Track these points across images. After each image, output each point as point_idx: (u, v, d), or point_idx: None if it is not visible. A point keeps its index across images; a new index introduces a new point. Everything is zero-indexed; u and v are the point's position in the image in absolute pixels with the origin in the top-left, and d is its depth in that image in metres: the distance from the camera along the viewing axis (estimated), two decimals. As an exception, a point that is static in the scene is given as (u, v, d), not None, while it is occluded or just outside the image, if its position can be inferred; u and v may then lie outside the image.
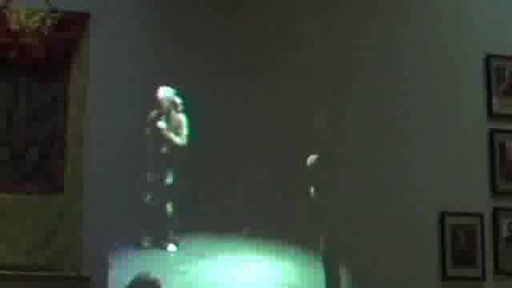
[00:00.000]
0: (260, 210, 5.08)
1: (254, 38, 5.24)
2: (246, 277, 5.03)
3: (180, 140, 5.07)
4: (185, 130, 5.09)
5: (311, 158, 5.16)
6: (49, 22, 4.86)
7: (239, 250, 5.08)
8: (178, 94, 5.10)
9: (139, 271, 4.57)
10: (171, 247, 5.05)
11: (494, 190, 5.44)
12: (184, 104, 5.11)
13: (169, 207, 5.04)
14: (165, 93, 5.08)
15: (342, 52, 5.34)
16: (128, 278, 4.53)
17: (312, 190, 5.15)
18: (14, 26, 4.83)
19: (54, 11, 4.84)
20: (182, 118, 5.10)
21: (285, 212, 5.10)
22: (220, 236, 5.05)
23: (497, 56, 5.57)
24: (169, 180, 5.06)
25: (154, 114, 5.05)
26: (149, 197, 5.02)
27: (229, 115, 5.13)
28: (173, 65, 5.11)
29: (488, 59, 5.57)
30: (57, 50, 4.91)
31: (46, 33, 4.85)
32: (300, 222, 5.11)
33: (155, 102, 5.07)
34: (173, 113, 5.10)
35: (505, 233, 5.40)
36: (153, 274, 4.52)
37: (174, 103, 5.10)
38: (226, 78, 5.16)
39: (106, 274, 4.78)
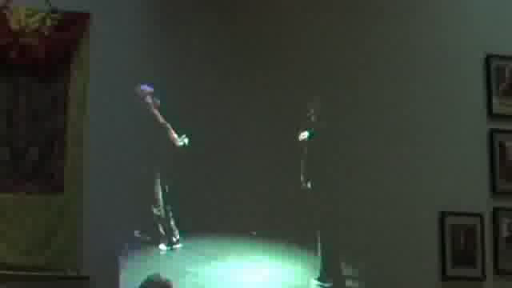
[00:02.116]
0: (270, 212, 5.09)
1: (256, 39, 5.24)
2: (257, 278, 5.05)
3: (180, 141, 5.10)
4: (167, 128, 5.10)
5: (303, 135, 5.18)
6: (49, 22, 4.85)
7: (249, 252, 5.09)
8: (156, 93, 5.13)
9: (150, 272, 4.59)
10: (162, 246, 5.07)
11: (494, 190, 5.44)
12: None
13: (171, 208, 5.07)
14: (146, 88, 5.09)
15: (342, 52, 5.34)
16: (139, 279, 4.54)
17: (307, 184, 5.16)
18: (14, 26, 4.82)
19: (54, 11, 4.84)
20: (159, 114, 5.11)
21: (292, 214, 5.11)
22: (230, 237, 5.06)
23: (497, 56, 5.57)
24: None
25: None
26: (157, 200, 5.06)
27: (234, 115, 5.14)
28: (173, 65, 5.11)
29: (488, 59, 5.57)
30: (57, 50, 4.91)
31: (46, 33, 4.85)
32: (303, 223, 5.12)
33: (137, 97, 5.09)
34: (152, 110, 5.10)
35: (505, 233, 5.40)
36: (164, 275, 4.53)
37: (153, 100, 5.11)
38: (226, 78, 5.16)
39: (116, 274, 4.79)
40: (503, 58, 5.59)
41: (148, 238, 5.04)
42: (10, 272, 4.69)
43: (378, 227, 5.19)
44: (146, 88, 5.09)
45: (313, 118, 5.23)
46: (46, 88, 4.94)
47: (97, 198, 4.80)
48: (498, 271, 5.36)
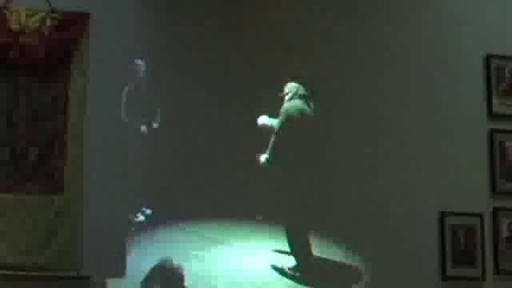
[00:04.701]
0: (274, 197, 5.11)
1: (255, 39, 5.24)
2: (260, 262, 5.07)
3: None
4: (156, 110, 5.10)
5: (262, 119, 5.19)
6: (49, 22, 4.86)
7: (253, 236, 5.11)
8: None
9: (160, 257, 4.62)
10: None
11: (494, 190, 5.44)
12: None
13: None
14: (141, 67, 5.09)
15: (342, 52, 5.34)
16: (144, 263, 4.55)
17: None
18: (14, 26, 4.83)
19: (54, 11, 4.84)
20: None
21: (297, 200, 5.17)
22: (234, 222, 5.08)
23: (497, 56, 5.57)
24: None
25: None
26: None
27: (234, 112, 5.15)
28: (172, 65, 5.11)
29: (488, 59, 5.57)
30: (57, 50, 4.91)
31: (46, 33, 4.85)
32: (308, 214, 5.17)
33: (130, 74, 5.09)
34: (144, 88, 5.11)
35: (505, 233, 5.40)
36: (177, 261, 4.55)
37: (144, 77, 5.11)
38: (226, 78, 5.16)
39: (122, 260, 4.80)
40: (503, 57, 5.59)
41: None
42: (10, 272, 4.69)
43: (378, 227, 5.19)
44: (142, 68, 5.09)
45: (286, 98, 5.22)
46: (46, 88, 4.94)
47: (97, 198, 4.80)
48: (498, 271, 5.36)
